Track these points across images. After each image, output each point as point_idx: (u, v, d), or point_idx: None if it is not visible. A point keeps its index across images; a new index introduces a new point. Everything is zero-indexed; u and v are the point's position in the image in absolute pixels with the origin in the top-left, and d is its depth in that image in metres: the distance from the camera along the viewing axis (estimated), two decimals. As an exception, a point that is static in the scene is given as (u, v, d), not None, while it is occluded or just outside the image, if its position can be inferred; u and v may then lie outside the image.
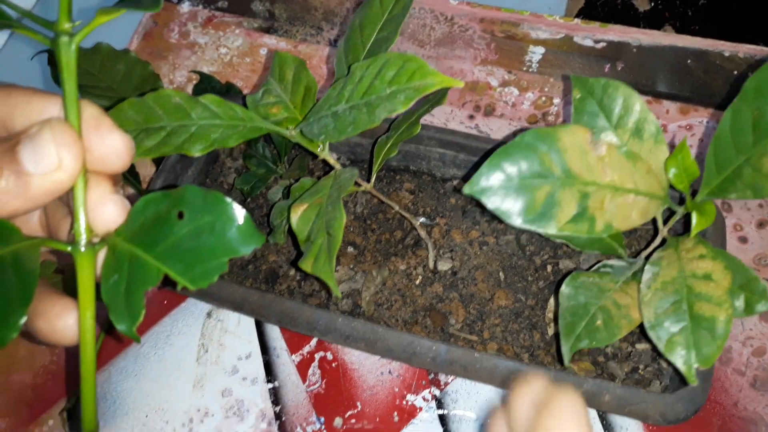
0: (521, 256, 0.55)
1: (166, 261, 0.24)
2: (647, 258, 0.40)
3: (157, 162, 0.62)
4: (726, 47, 0.70)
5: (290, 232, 0.43)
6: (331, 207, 0.36)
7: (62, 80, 0.25)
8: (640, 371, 0.49)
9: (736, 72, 0.68)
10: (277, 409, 0.58)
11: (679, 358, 0.35)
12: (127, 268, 0.25)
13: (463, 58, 0.74)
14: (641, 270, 0.40)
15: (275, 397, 0.58)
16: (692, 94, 0.68)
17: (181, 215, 0.24)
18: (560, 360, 0.46)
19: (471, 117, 0.70)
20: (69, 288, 0.29)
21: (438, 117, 0.70)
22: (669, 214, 0.40)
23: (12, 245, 0.25)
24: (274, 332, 0.61)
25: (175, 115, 0.36)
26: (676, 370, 0.44)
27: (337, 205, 0.36)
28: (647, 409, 0.44)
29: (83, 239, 0.26)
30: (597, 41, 0.73)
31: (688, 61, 0.70)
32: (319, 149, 0.41)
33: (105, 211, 0.26)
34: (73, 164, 0.25)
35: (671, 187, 0.38)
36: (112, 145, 0.26)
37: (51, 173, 0.25)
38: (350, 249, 0.57)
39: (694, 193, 0.39)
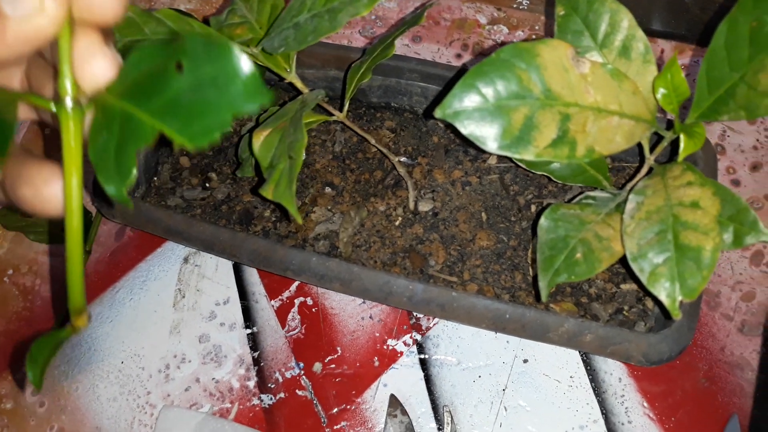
0: (505, 196, 0.53)
1: (162, 117, 0.21)
2: (632, 189, 0.38)
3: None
4: (726, -18, 0.66)
5: (257, 164, 0.41)
6: (293, 129, 0.34)
7: None
8: (624, 312, 0.48)
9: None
10: (256, 354, 0.56)
11: (662, 290, 0.33)
12: (118, 126, 0.22)
13: (450, -5, 0.71)
14: (625, 201, 0.37)
15: (253, 342, 0.57)
16: (688, 32, 0.65)
17: (180, 67, 0.22)
18: (537, 297, 0.45)
19: (458, 56, 0.67)
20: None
21: (424, 56, 0.67)
22: (656, 140, 0.38)
23: None
24: (252, 277, 0.59)
25: (128, 30, 0.33)
26: (660, 305, 0.42)
27: (299, 127, 0.33)
28: (630, 349, 0.43)
29: (69, 97, 0.24)
30: (591, -24, 0.69)
31: (686, -3, 0.66)
32: (286, 71, 0.38)
33: (93, 65, 0.24)
34: (57, 7, 0.22)
35: (660, 110, 0.36)
36: None
37: (31, 17, 0.22)
38: (328, 189, 0.55)
39: (683, 119, 0.37)
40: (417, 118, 0.57)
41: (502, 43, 0.67)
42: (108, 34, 0.25)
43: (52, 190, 0.25)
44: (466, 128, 0.31)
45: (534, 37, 0.67)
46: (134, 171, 0.22)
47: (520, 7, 0.69)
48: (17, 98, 0.24)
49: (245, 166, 0.47)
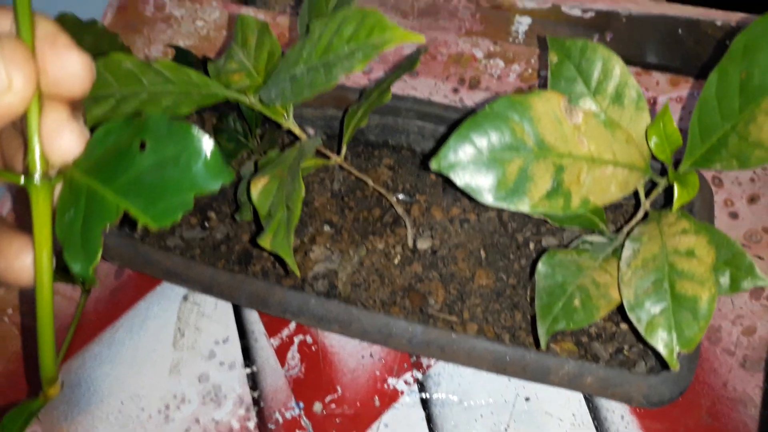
0: (503, 234, 0.53)
1: (126, 195, 0.22)
2: (629, 233, 0.38)
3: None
4: (718, 16, 0.67)
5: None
6: (290, 179, 0.34)
7: None
8: (624, 352, 0.47)
9: (727, 42, 0.65)
10: (256, 394, 0.56)
11: (660, 341, 0.33)
12: (84, 203, 0.23)
13: (447, 29, 0.71)
14: (622, 246, 0.37)
15: (253, 382, 0.57)
16: (683, 64, 0.66)
17: (143, 146, 0.22)
18: (537, 344, 0.45)
19: (455, 90, 0.68)
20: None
21: (421, 91, 0.68)
22: (651, 186, 0.38)
23: None
24: (252, 316, 0.59)
25: (126, 81, 0.34)
26: (657, 355, 0.42)
27: (296, 177, 0.33)
28: (631, 391, 0.43)
29: (38, 171, 0.24)
30: (585, 11, 0.70)
31: (679, 30, 0.67)
32: (283, 118, 0.39)
33: (62, 139, 0.24)
34: (25, 86, 0.22)
35: (653, 157, 0.36)
36: (69, 66, 0.24)
37: None
38: (326, 228, 0.55)
39: (677, 165, 0.37)
40: (414, 156, 0.58)
41: (498, 77, 0.68)
42: (77, 107, 0.26)
43: (24, 262, 0.25)
44: (461, 180, 0.31)
45: (530, 70, 0.68)
46: (100, 251, 0.22)
47: (516, 42, 0.69)
48: None
49: (243, 209, 0.47)
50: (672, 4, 0.69)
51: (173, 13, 0.78)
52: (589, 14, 0.70)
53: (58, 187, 0.24)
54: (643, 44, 0.67)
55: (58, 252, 0.24)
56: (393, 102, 0.54)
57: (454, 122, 0.52)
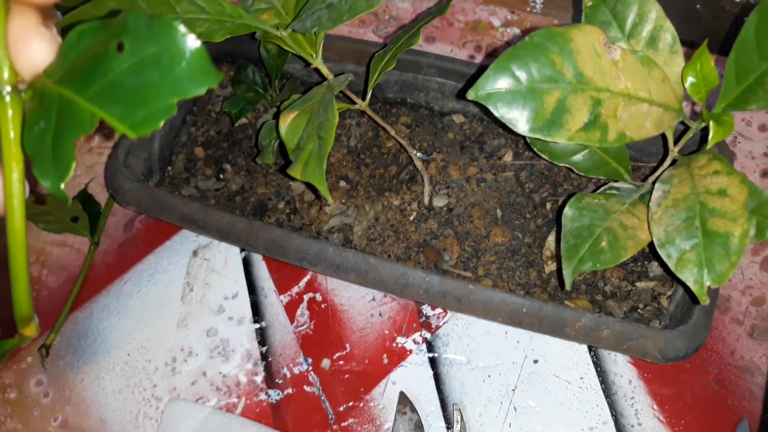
0: (520, 194, 0.53)
1: (102, 103, 0.20)
2: (655, 182, 0.38)
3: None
4: (736, -7, 0.67)
5: (281, 149, 0.41)
6: (322, 110, 0.34)
7: None
8: (639, 310, 0.47)
9: (745, 18, 0.66)
10: (264, 349, 0.56)
11: (690, 276, 0.33)
12: (56, 115, 0.21)
13: (464, -2, 0.71)
14: (650, 192, 0.38)
15: (262, 337, 0.56)
16: (700, 39, 0.66)
17: (121, 47, 0.20)
18: (560, 291, 0.45)
19: (471, 57, 0.68)
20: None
21: (437, 57, 0.68)
22: (680, 132, 0.38)
23: None
24: (261, 272, 0.59)
25: (159, 7, 0.33)
26: (687, 289, 0.42)
27: (330, 107, 0.33)
28: (646, 345, 0.43)
29: (5, 83, 0.22)
30: (603, -16, 0.70)
31: (697, 5, 0.67)
32: (312, 57, 0.38)
33: (30, 47, 0.22)
34: None
35: (687, 100, 0.36)
36: None
37: None
38: (342, 183, 0.55)
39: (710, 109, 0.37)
40: (433, 115, 0.57)
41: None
42: (48, 13, 0.23)
43: None
44: (499, 110, 0.31)
45: (546, 41, 0.68)
46: (73, 164, 0.20)
47: (534, 11, 0.69)
48: None
49: (266, 152, 0.47)
50: (690, -20, 0.69)
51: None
52: (607, -12, 0.70)
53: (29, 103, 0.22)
54: (660, 18, 0.67)
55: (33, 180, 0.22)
56: (414, 57, 0.54)
57: (481, 68, 0.52)
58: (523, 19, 0.69)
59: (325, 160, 0.32)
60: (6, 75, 0.22)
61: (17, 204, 0.22)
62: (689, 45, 0.66)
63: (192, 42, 0.19)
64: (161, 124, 0.19)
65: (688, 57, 0.65)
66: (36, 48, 0.22)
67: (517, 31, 0.69)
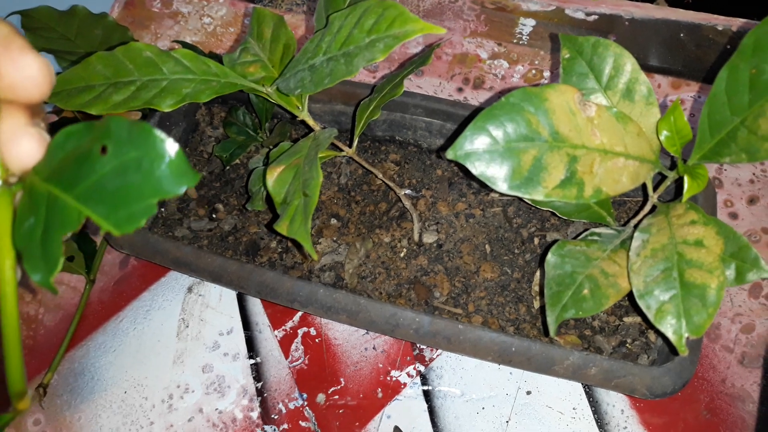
0: (508, 229, 0.54)
1: (88, 202, 0.21)
2: (636, 226, 0.39)
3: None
4: (719, 21, 0.68)
5: (269, 198, 0.42)
6: (308, 167, 0.35)
7: None
8: (627, 345, 0.48)
9: (729, 47, 0.67)
10: (259, 385, 0.57)
11: (669, 327, 0.34)
12: (45, 211, 0.22)
13: (452, 30, 0.72)
14: (630, 238, 0.38)
15: (257, 373, 0.57)
16: (684, 68, 0.67)
17: (104, 150, 0.21)
18: (546, 332, 0.45)
19: (460, 90, 0.68)
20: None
21: (426, 90, 0.69)
22: (659, 180, 0.39)
23: None
24: (256, 307, 0.60)
25: (146, 69, 0.34)
26: (666, 340, 0.43)
27: (314, 165, 0.34)
28: (634, 383, 0.43)
29: None
30: (588, 14, 0.71)
31: (681, 34, 0.68)
32: (298, 109, 0.39)
33: (20, 145, 0.23)
34: None
35: (662, 151, 0.37)
36: (25, 70, 0.23)
37: None
38: (333, 221, 0.56)
39: (685, 160, 0.38)
40: (421, 152, 0.58)
41: (503, 78, 0.69)
42: (36, 111, 0.25)
43: None
44: (477, 169, 0.32)
45: (533, 71, 0.69)
46: (61, 260, 0.21)
47: (520, 43, 0.70)
48: None
49: (255, 199, 0.47)
50: (674, 9, 0.70)
51: (180, 9, 0.78)
52: (593, 17, 0.71)
53: (19, 195, 0.23)
54: (646, 47, 0.68)
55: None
56: (401, 98, 0.55)
57: (463, 119, 0.53)
58: (509, 50, 0.70)
59: (310, 218, 0.33)
60: None
61: (9, 291, 0.23)
62: (675, 73, 0.67)
63: (171, 146, 0.20)
64: (144, 222, 0.20)
65: (674, 87, 0.66)
66: (25, 146, 0.23)
67: (504, 62, 0.70)
